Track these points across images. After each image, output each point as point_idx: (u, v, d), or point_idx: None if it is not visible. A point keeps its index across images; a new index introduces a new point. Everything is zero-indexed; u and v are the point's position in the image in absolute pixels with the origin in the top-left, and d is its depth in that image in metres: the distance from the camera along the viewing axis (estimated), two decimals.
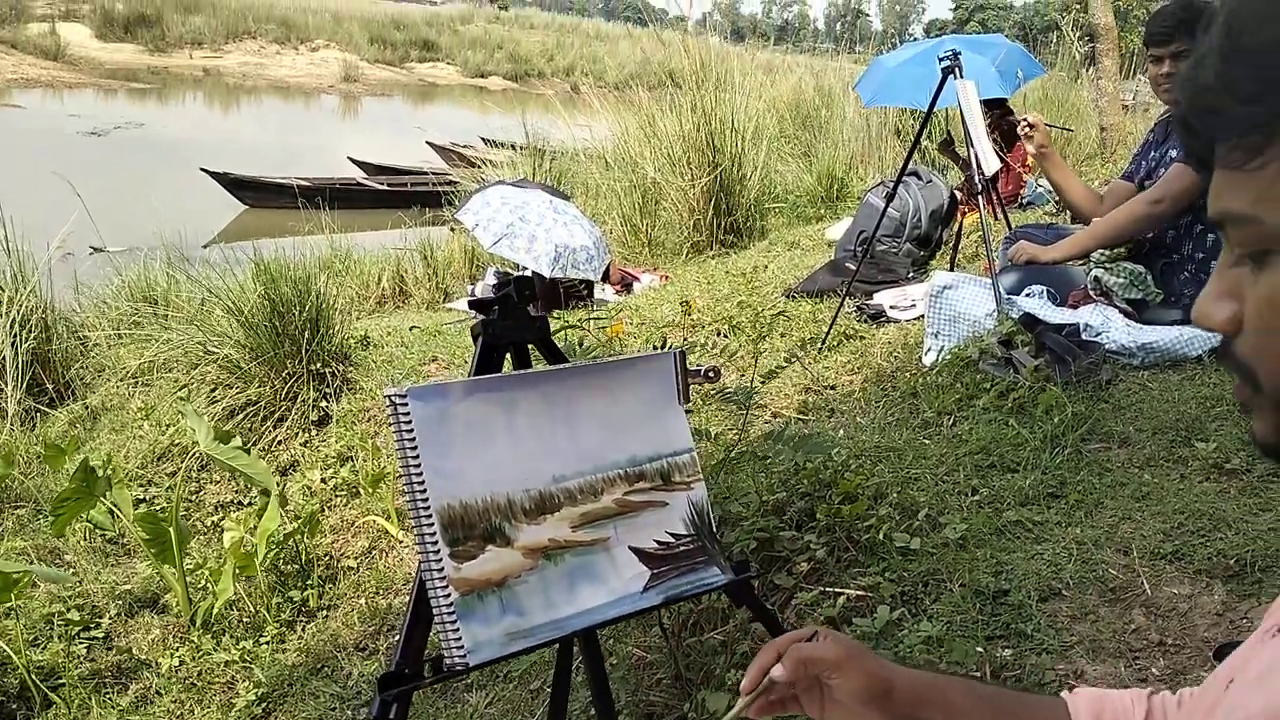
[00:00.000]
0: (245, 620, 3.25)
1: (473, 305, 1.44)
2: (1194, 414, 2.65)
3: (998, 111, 5.83)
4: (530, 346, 1.52)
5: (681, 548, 1.47)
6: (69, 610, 3.26)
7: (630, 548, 1.43)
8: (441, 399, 1.29)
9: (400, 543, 3.52)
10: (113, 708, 2.93)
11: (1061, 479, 2.45)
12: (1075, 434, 2.60)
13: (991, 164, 3.37)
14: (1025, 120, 3.47)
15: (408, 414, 1.25)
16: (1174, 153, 3.15)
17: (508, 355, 1.49)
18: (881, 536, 2.26)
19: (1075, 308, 3.27)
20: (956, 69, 3.42)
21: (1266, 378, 0.56)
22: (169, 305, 5.48)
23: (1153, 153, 3.33)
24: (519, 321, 1.45)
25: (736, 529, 2.35)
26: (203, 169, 12.22)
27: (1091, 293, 3.28)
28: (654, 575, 1.43)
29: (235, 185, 12.48)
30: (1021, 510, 2.34)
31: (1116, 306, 3.20)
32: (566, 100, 12.07)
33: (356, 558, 3.51)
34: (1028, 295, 3.26)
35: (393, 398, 1.24)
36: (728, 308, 4.57)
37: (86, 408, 4.87)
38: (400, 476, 1.33)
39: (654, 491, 1.48)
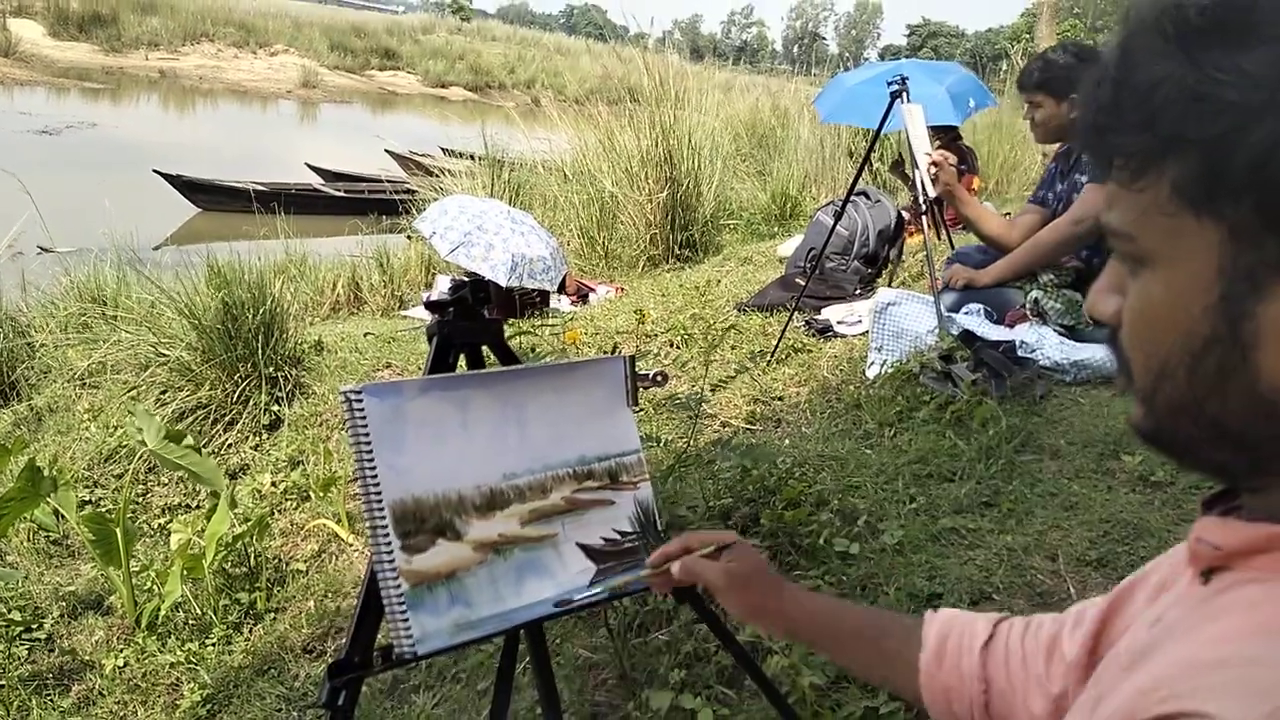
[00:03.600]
0: (191, 622, 3.24)
1: (429, 306, 1.49)
2: (1122, 428, 2.77)
3: (948, 137, 6.00)
4: (484, 349, 1.57)
5: (627, 545, 1.53)
6: (10, 611, 3.23)
7: (577, 544, 1.48)
8: (396, 396, 1.33)
9: (350, 546, 3.53)
10: (54, 709, 2.90)
11: (995, 488, 2.55)
12: (1009, 446, 2.70)
13: (934, 186, 3.48)
14: (932, 160, 3.50)
15: (363, 410, 1.29)
16: (1083, 178, 3.30)
17: (462, 356, 1.53)
18: (822, 541, 2.33)
19: (1012, 326, 3.39)
20: (904, 93, 3.53)
21: (1137, 374, 0.61)
22: (118, 307, 5.43)
23: (1060, 184, 3.48)
24: (474, 323, 1.50)
25: (684, 533, 2.41)
26: (155, 171, 12.06)
27: (1029, 313, 3.41)
28: (600, 571, 1.48)
29: (189, 188, 12.32)
30: (956, 518, 2.43)
31: (1051, 327, 3.32)
32: (526, 113, 12.12)
33: (306, 561, 3.52)
34: (966, 313, 3.37)
35: (348, 394, 1.28)
36: (681, 319, 4.65)
37: (32, 409, 4.81)
38: (354, 475, 1.37)
39: (602, 490, 1.53)
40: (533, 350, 3.21)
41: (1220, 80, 0.51)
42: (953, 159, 3.63)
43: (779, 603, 1.08)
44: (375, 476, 1.29)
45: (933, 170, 3.50)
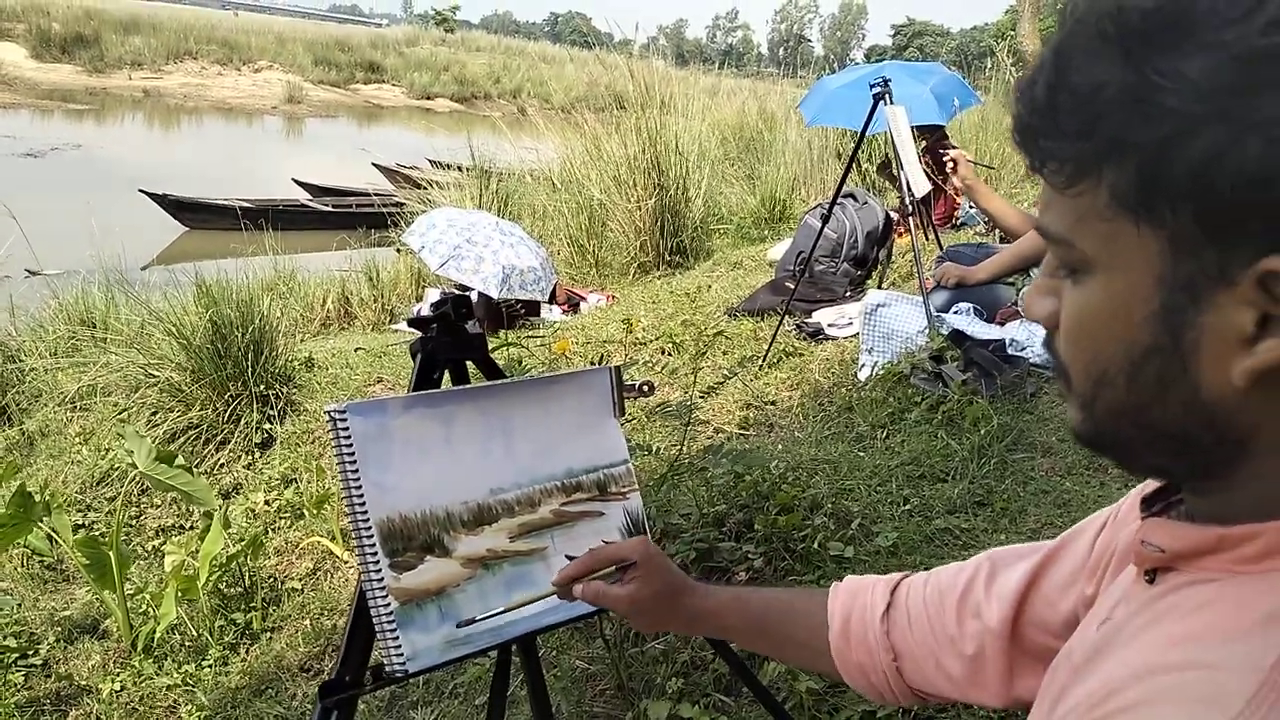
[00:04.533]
0: (188, 644, 3.23)
1: (412, 323, 1.49)
2: None
3: (934, 137, 6.01)
4: (469, 364, 1.57)
5: None
6: (5, 638, 3.21)
7: (567, 556, 1.47)
8: (381, 414, 1.32)
9: (345, 563, 3.52)
10: None
11: (988, 488, 2.55)
12: (1001, 445, 2.70)
13: (921, 186, 3.49)
14: (949, 157, 3.55)
15: (347, 429, 1.29)
16: None
17: (446, 372, 1.53)
18: (817, 545, 2.33)
19: (1003, 324, 3.39)
20: (887, 95, 3.54)
21: (1074, 379, 0.60)
22: (108, 328, 5.41)
23: None
24: (457, 339, 1.50)
25: (677, 540, 2.41)
26: (142, 190, 12.03)
27: (1021, 310, 3.41)
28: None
29: (176, 207, 12.30)
30: (950, 518, 2.43)
31: None
32: (513, 122, 12.14)
33: (301, 579, 3.51)
34: (956, 313, 3.37)
35: (333, 414, 1.28)
36: (672, 326, 4.65)
37: (23, 433, 4.79)
38: (340, 493, 1.37)
39: (590, 502, 1.52)
40: (519, 363, 3.21)
41: (1162, 86, 0.50)
42: (968, 155, 3.63)
43: (685, 613, 1.07)
44: (361, 495, 1.29)
45: (952, 166, 3.50)
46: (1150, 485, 0.67)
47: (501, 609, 1.36)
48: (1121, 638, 0.61)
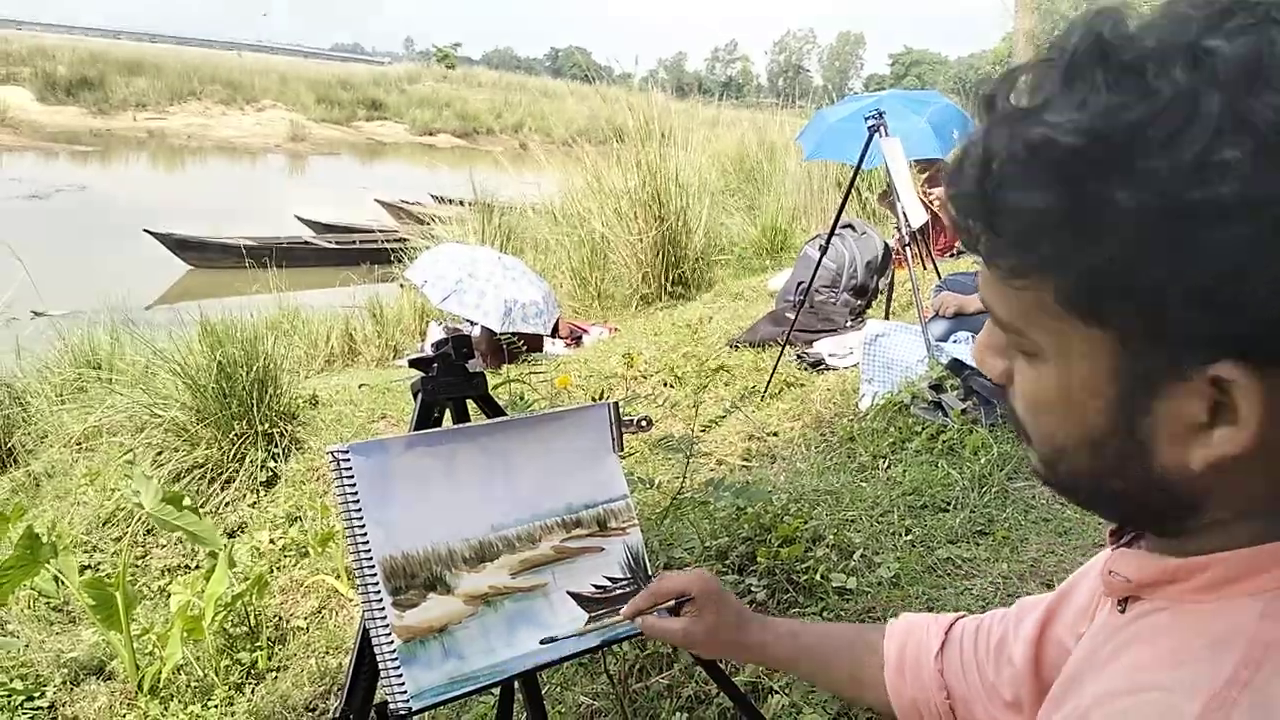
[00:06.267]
0: (194, 684, 3.22)
1: (413, 364, 1.51)
2: None
3: (934, 169, 6.05)
4: (469, 402, 1.59)
5: (618, 591, 1.53)
6: (12, 680, 3.21)
7: (568, 592, 1.48)
8: (382, 453, 1.34)
9: (350, 601, 3.52)
10: None
11: (989, 516, 2.56)
12: (1002, 473, 2.71)
13: (917, 217, 3.52)
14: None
15: (350, 469, 1.31)
16: None
17: (447, 410, 1.55)
18: (819, 577, 2.33)
19: None
20: (881, 128, 3.59)
21: (1035, 440, 0.63)
22: (113, 369, 5.45)
23: None
24: (457, 378, 1.52)
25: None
26: (146, 230, 12.12)
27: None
28: (591, 619, 1.49)
29: (180, 246, 12.39)
30: (951, 548, 2.43)
31: None
32: (515, 157, 12.24)
33: (306, 618, 3.51)
34: (955, 342, 3.39)
35: (335, 453, 1.30)
36: (673, 359, 4.67)
37: (29, 474, 4.81)
38: (343, 533, 1.38)
39: (590, 538, 1.54)
40: (521, 398, 3.23)
41: (1098, 212, 0.51)
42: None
43: (741, 644, 1.11)
44: (364, 534, 1.31)
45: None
46: None
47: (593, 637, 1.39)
48: (1094, 665, 0.63)
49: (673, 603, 1.17)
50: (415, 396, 1.49)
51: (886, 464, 3.03)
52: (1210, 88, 0.49)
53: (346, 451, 1.31)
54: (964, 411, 2.95)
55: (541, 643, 1.40)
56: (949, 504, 2.66)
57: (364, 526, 1.30)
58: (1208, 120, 0.48)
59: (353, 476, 1.31)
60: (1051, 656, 0.84)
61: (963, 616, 1.00)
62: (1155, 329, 0.52)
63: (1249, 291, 0.48)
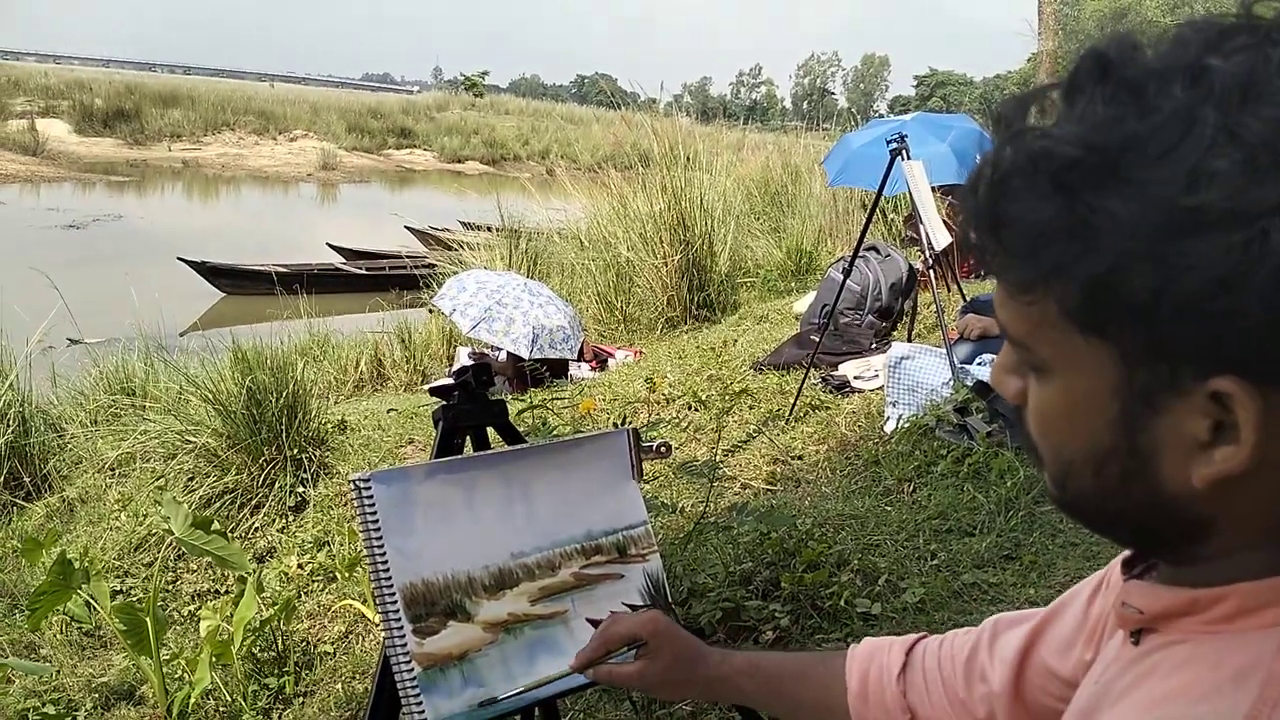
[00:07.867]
0: (222, 709, 3.25)
1: (433, 392, 1.53)
2: None
3: (957, 194, 6.00)
4: (489, 429, 1.60)
5: None
6: (44, 704, 3.25)
7: (588, 619, 1.49)
8: (404, 482, 1.36)
9: (376, 626, 3.53)
10: None
11: (1016, 541, 2.53)
12: (1028, 497, 2.69)
13: (940, 240, 3.51)
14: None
15: (371, 497, 1.32)
16: None
17: (468, 438, 1.56)
18: (843, 602, 2.32)
19: None
20: (904, 151, 3.59)
21: (1046, 460, 0.63)
22: (146, 395, 5.53)
23: None
24: (478, 406, 1.54)
25: (704, 600, 2.41)
26: (180, 258, 12.32)
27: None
28: None
29: (213, 273, 12.58)
30: (978, 573, 2.41)
31: None
32: (541, 183, 12.34)
33: (333, 643, 3.52)
34: (980, 364, 3.37)
35: (357, 482, 1.31)
36: (698, 381, 4.67)
37: (64, 500, 4.88)
38: (365, 560, 1.39)
39: (610, 565, 1.54)
40: (544, 423, 3.24)
41: (1096, 223, 0.51)
42: None
43: (699, 682, 1.09)
44: (385, 562, 1.32)
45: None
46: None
47: (521, 688, 1.36)
48: (1109, 698, 0.62)
49: (624, 649, 1.16)
50: (436, 425, 1.50)
51: (912, 488, 3.01)
52: (1206, 103, 0.50)
53: (368, 480, 1.32)
54: (990, 434, 2.93)
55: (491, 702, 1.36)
56: (975, 528, 2.64)
57: (385, 554, 1.31)
58: (1202, 134, 0.49)
59: (374, 505, 1.32)
60: (1038, 676, 0.83)
61: (924, 637, 0.99)
62: (1153, 341, 0.52)
63: (1240, 303, 0.49)
